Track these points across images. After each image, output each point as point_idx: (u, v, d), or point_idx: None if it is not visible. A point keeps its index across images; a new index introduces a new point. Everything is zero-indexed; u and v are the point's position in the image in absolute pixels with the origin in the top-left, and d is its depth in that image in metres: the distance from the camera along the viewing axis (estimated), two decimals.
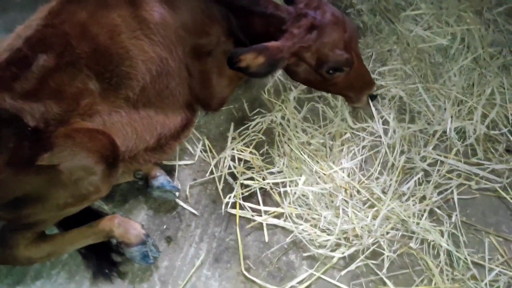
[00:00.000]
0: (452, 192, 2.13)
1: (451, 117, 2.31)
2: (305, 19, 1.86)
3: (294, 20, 1.87)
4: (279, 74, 2.54)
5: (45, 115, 1.57)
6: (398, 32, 2.55)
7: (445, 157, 2.23)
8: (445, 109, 2.36)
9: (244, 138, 2.29)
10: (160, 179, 2.00)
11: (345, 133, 2.30)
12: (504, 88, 2.38)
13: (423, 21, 2.52)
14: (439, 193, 2.12)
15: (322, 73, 1.94)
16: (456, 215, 2.04)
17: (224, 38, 2.09)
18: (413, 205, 2.06)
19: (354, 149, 2.25)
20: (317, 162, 2.15)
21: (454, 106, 2.36)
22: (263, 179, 2.13)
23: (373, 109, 2.23)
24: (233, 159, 2.21)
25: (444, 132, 2.31)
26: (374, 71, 2.55)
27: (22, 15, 2.72)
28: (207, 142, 2.29)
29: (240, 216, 2.04)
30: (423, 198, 2.10)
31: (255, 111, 2.43)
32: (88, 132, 1.63)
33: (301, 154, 2.16)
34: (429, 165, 2.21)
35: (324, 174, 2.08)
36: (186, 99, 2.06)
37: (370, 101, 2.17)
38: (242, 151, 2.23)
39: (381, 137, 2.28)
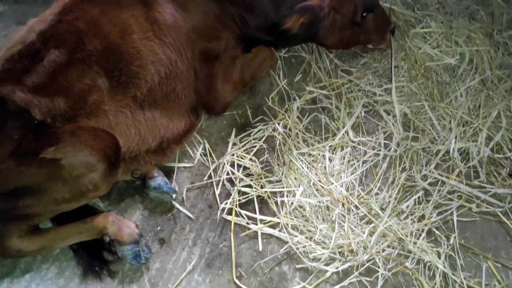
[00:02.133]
0: (452, 214, 2.09)
1: (455, 137, 2.29)
2: None
3: None
4: (284, 83, 2.53)
5: (52, 111, 1.58)
6: (407, 48, 2.53)
7: (447, 177, 2.20)
8: (450, 129, 2.33)
9: (245, 145, 2.27)
10: (158, 179, 1.99)
11: (347, 146, 2.29)
12: (510, 112, 2.35)
13: (432, 39, 2.51)
14: (439, 214, 2.09)
15: (357, 20, 2.08)
16: (455, 237, 2.01)
17: (233, 43, 2.10)
18: (411, 224, 2.03)
19: (354, 163, 2.23)
20: (316, 174, 2.13)
21: (459, 127, 2.34)
22: (261, 187, 2.11)
23: (393, 47, 2.45)
24: (232, 165, 2.19)
25: (447, 152, 2.28)
26: (381, 86, 2.54)
27: (34, 8, 2.77)
28: (207, 146, 2.27)
29: (235, 223, 2.02)
30: (422, 217, 2.07)
31: (258, 118, 2.41)
32: (93, 131, 1.64)
33: (300, 165, 2.15)
34: (430, 184, 2.18)
35: (323, 187, 2.06)
36: (191, 103, 2.07)
37: (391, 36, 2.39)
38: (242, 158, 2.22)
39: (383, 152, 2.27)
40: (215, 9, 1.97)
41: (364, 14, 2.06)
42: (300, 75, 2.61)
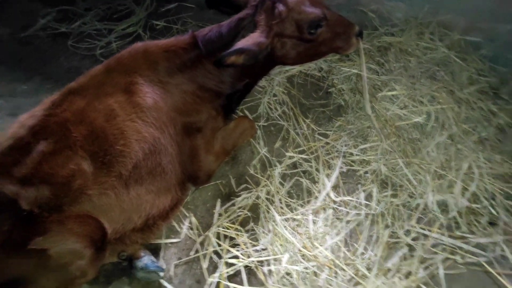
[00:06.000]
0: (438, 267, 2.12)
1: (432, 190, 2.37)
2: (266, 2, 2.02)
3: (257, 10, 2.02)
4: (264, 150, 2.66)
5: (38, 200, 1.63)
6: (376, 110, 2.70)
7: (429, 230, 2.25)
8: (426, 182, 2.42)
9: (230, 215, 2.33)
10: (144, 259, 2.01)
11: (329, 208, 2.35)
12: (481, 162, 2.46)
13: (398, 101, 2.69)
14: (425, 269, 2.11)
15: (307, 37, 2.05)
16: None
17: (214, 114, 2.24)
18: (399, 281, 2.04)
19: (338, 224, 2.29)
20: (301, 239, 2.17)
21: (435, 180, 2.43)
22: (248, 257, 2.14)
23: (361, 49, 2.33)
24: (218, 236, 2.23)
25: (427, 205, 2.35)
26: (357, 146, 2.67)
27: (27, 101, 2.96)
28: (193, 219, 2.33)
29: None
30: (409, 274, 2.08)
31: (241, 187, 2.50)
32: (79, 218, 1.69)
33: (284, 231, 2.19)
34: (413, 239, 2.23)
35: (309, 253, 2.09)
36: (178, 177, 2.14)
37: (360, 39, 2.26)
38: (228, 228, 2.27)
39: (364, 211, 2.34)
40: (192, 86, 2.12)
41: (312, 31, 2.03)
42: (280, 142, 2.75)
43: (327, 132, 2.80)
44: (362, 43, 2.36)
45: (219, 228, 2.26)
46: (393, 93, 2.70)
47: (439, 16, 3.12)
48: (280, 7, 2.00)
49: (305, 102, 3.04)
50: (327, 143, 2.72)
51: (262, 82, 3.11)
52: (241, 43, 1.90)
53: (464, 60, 3.06)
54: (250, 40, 1.92)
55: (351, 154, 2.65)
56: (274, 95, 3.03)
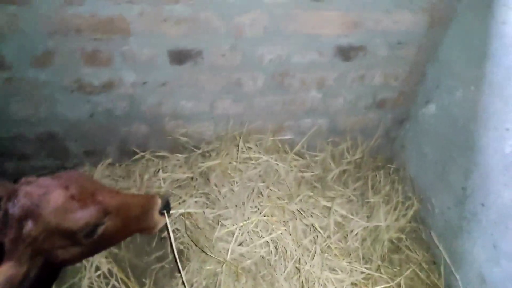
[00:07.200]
0: None
1: None
2: (9, 218, 1.46)
3: (1, 231, 1.46)
4: None
5: None
6: (216, 253, 2.42)
7: None
8: None
9: None
10: None
11: None
12: (331, 276, 2.36)
13: (235, 237, 2.46)
14: None
15: (85, 242, 1.57)
16: None
17: None
18: None
19: None
20: None
21: None
22: None
23: (168, 224, 1.92)
24: None
25: None
26: None
27: None
28: None
29: None
30: None
31: None
32: None
33: None
34: None
35: None
36: None
37: (166, 215, 1.89)
38: None
39: None
40: None
41: (88, 234, 1.58)
42: None
43: None
44: (168, 218, 1.97)
45: None
46: (226, 230, 2.46)
47: (248, 125, 3.10)
48: (29, 225, 1.47)
49: (138, 262, 2.58)
50: None
51: None
52: None
53: (285, 160, 3.07)
54: None
55: None
56: (97, 269, 2.48)
